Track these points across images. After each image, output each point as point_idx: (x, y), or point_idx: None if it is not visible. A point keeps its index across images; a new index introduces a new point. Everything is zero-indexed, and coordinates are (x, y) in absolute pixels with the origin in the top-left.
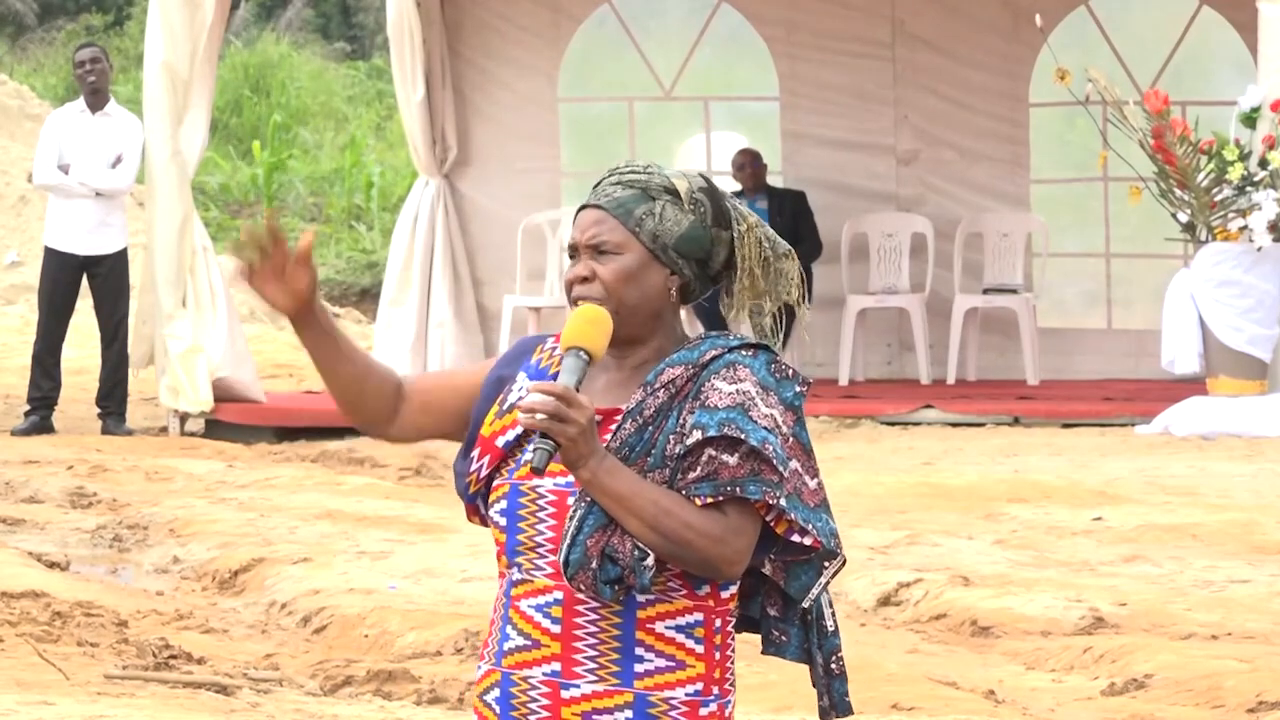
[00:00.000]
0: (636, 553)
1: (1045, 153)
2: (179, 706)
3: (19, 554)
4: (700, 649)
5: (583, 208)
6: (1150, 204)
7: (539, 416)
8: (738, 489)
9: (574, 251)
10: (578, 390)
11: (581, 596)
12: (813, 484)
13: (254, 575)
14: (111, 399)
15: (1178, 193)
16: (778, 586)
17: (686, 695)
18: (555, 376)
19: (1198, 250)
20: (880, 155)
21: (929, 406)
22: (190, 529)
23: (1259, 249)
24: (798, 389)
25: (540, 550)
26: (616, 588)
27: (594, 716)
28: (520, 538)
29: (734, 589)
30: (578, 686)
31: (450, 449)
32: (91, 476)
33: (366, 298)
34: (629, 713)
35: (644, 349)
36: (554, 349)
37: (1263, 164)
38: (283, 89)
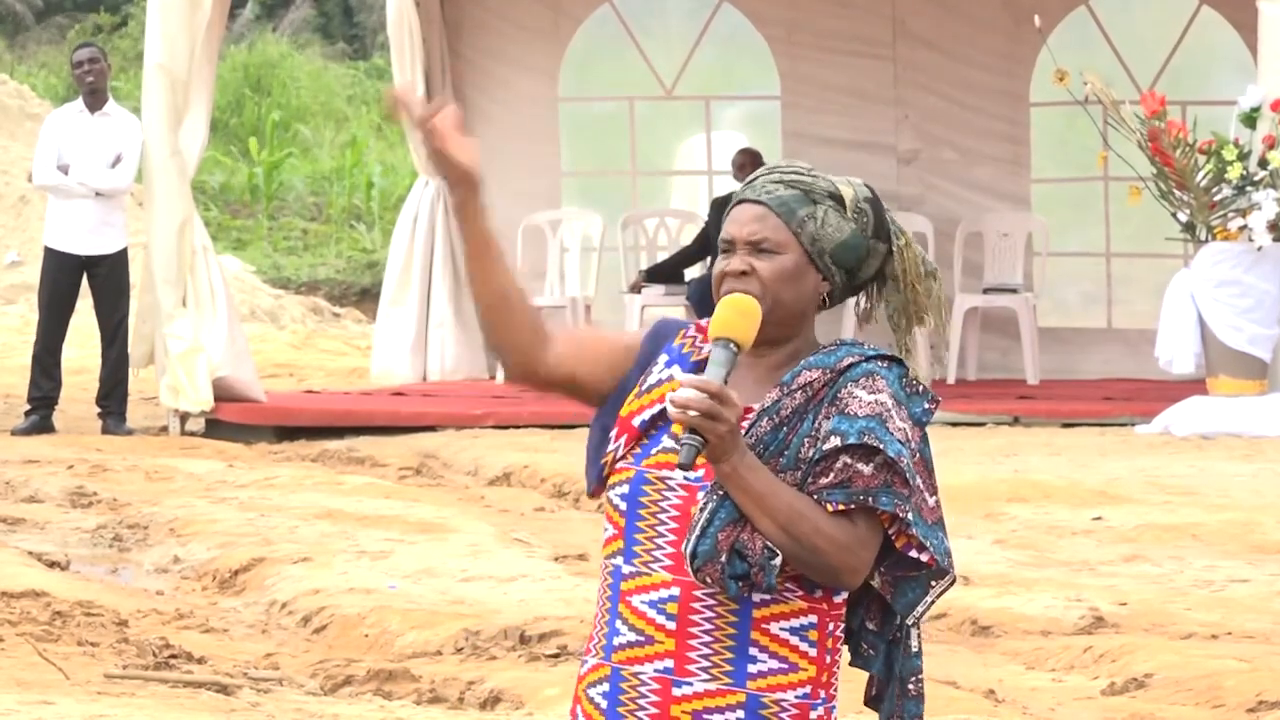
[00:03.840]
0: (766, 551)
1: (1046, 152)
2: (179, 706)
3: (19, 554)
4: (813, 652)
5: (740, 202)
6: (1150, 204)
7: (691, 413)
8: (870, 499)
9: (729, 246)
10: (726, 382)
11: (698, 594)
12: (931, 501)
13: (254, 575)
14: (112, 399)
15: (1177, 193)
16: (879, 600)
17: (797, 698)
18: (700, 366)
19: (1198, 250)
20: (881, 155)
21: None
22: (190, 529)
23: (1259, 249)
24: (926, 405)
25: (659, 543)
26: (741, 584)
27: (705, 716)
28: (641, 525)
29: (845, 595)
30: (690, 684)
31: (450, 448)
32: (91, 476)
33: (366, 298)
34: (740, 713)
35: (782, 351)
36: (696, 338)
37: (1263, 164)
38: (283, 88)
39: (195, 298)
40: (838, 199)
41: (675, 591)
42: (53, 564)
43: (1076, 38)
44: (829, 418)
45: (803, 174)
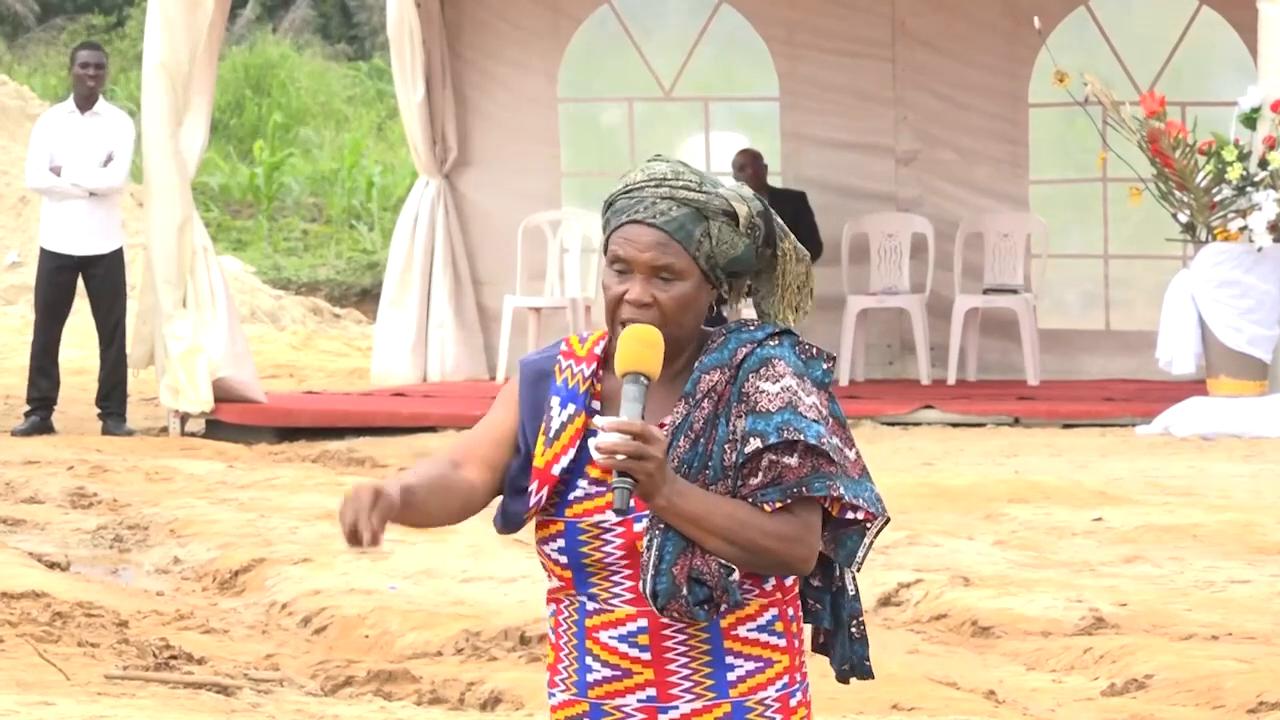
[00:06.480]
0: (722, 570)
1: (1045, 153)
2: (179, 707)
3: (19, 554)
4: (782, 643)
5: (631, 222)
6: (1150, 204)
7: (619, 457)
8: (803, 489)
9: (625, 267)
10: (643, 416)
11: (666, 620)
12: (852, 454)
13: (254, 575)
14: (111, 399)
15: (1177, 194)
16: (820, 557)
17: (778, 691)
18: (592, 397)
19: (1198, 250)
20: (880, 155)
21: (929, 407)
22: (190, 529)
23: (1259, 249)
24: (825, 366)
25: (615, 580)
26: (708, 608)
27: None
28: (590, 570)
29: (794, 577)
30: (676, 708)
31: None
32: (92, 477)
33: (366, 298)
34: None
35: (680, 360)
36: (570, 365)
37: (1263, 164)
38: (283, 89)
39: (195, 298)
40: (730, 215)
41: (643, 623)
42: (53, 565)
43: (1076, 38)
44: (741, 417)
45: (694, 189)
